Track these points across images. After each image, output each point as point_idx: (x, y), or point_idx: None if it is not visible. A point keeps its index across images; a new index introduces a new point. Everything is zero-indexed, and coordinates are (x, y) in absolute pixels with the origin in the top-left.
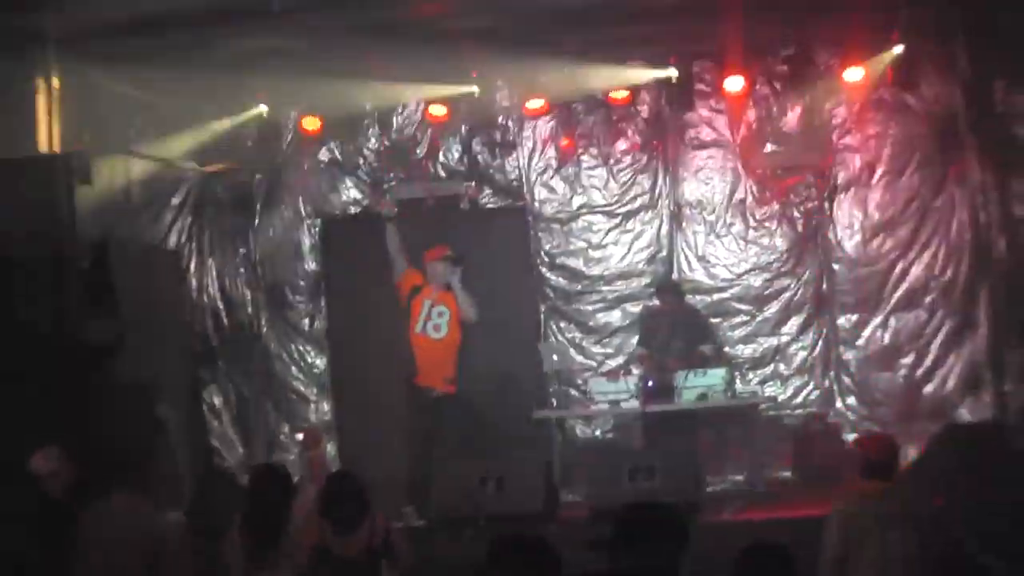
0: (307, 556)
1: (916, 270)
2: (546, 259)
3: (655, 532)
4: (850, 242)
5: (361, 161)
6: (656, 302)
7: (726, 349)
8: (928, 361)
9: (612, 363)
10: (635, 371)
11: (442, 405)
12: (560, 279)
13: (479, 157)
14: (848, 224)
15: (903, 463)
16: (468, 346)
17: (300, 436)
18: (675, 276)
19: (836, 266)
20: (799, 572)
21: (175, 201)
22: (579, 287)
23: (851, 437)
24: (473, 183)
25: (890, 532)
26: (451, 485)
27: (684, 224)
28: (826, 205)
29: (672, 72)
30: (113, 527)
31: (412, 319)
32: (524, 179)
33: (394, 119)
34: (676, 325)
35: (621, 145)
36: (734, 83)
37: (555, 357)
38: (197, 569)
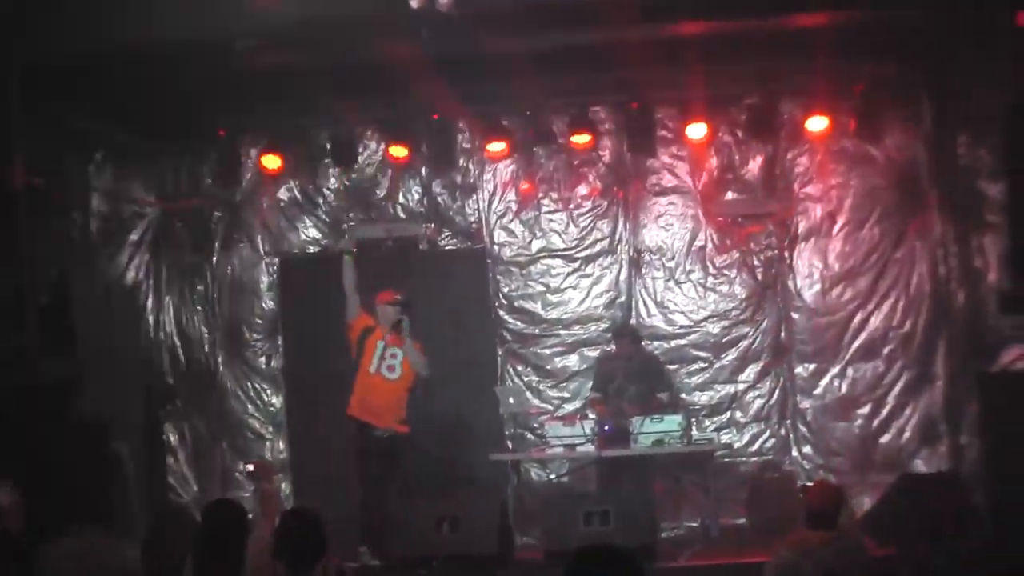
0: None
1: (875, 321)
2: (504, 302)
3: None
4: (809, 291)
5: (321, 200)
6: (613, 347)
7: (683, 396)
8: (885, 412)
9: (568, 407)
10: (591, 415)
11: (396, 445)
12: (518, 322)
13: (439, 199)
14: (808, 274)
15: (857, 513)
16: (426, 387)
17: (250, 467)
18: (633, 322)
19: (795, 315)
20: None
21: (133, 237)
22: (537, 330)
23: (825, 479)
24: (432, 224)
25: None
26: (406, 526)
27: (643, 270)
28: (786, 254)
29: (635, 117)
30: (78, 565)
31: (366, 360)
32: (484, 222)
33: (354, 159)
34: (632, 371)
35: (582, 190)
36: (697, 130)
37: (511, 400)
38: None
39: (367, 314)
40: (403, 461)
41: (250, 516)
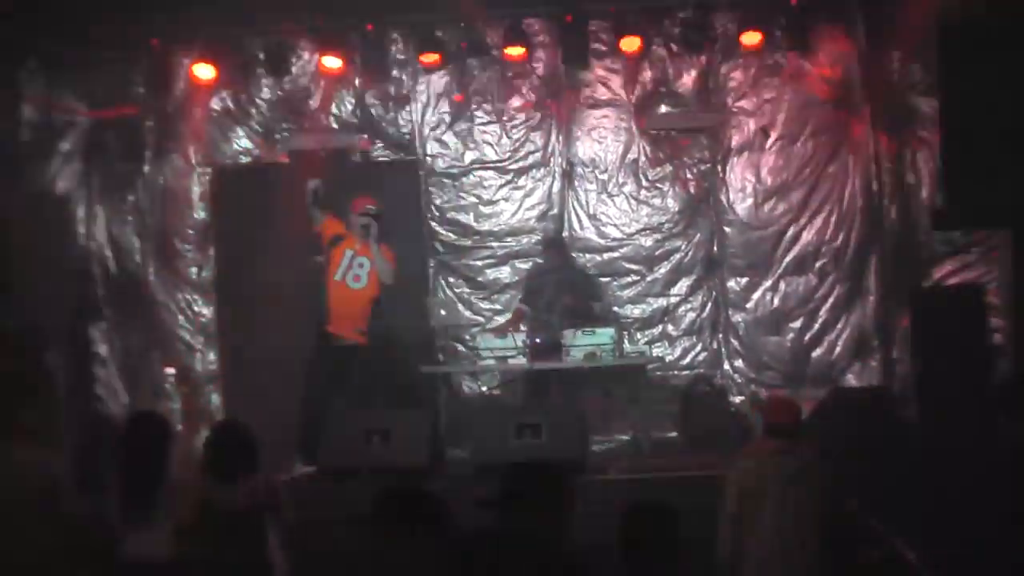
0: (189, 510)
1: (807, 235)
2: (436, 214)
3: (541, 492)
4: (742, 205)
5: (253, 111)
6: (542, 260)
7: (615, 309)
8: (817, 326)
9: (500, 319)
10: (523, 328)
11: (351, 355)
12: (450, 234)
13: (372, 110)
14: (741, 187)
15: None
16: None
17: (171, 370)
18: (566, 234)
19: (728, 229)
20: (683, 531)
21: (65, 147)
22: (469, 242)
23: (738, 399)
24: (365, 135)
25: (789, 489)
26: (337, 437)
27: (576, 182)
28: (719, 168)
29: (568, 30)
30: (7, 471)
31: (332, 267)
32: (416, 133)
33: (287, 69)
34: (562, 283)
35: (515, 102)
36: (630, 43)
37: (443, 312)
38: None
39: (336, 220)
40: (354, 372)
41: (179, 428)
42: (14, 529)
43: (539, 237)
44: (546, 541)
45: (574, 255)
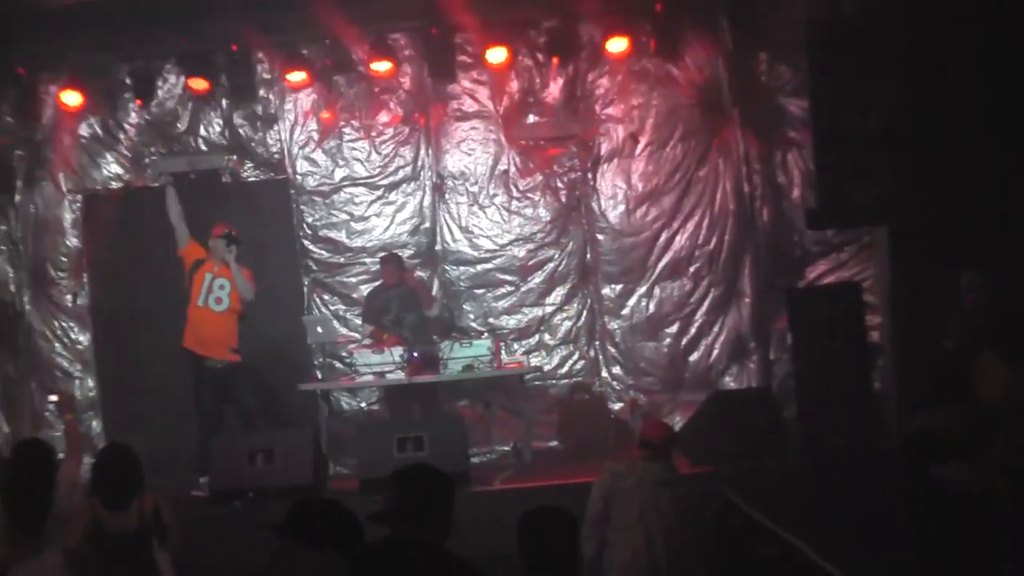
0: (79, 537)
1: (680, 240)
2: (309, 232)
3: (432, 494)
4: (614, 212)
5: (122, 136)
6: (380, 281)
7: (491, 320)
8: (693, 330)
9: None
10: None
11: (229, 374)
12: (323, 251)
13: (240, 130)
14: (612, 195)
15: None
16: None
17: (53, 398)
18: (439, 247)
19: (600, 236)
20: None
21: None
22: (342, 259)
23: (617, 406)
24: (235, 156)
25: (657, 492)
26: (222, 459)
27: (447, 195)
28: (589, 176)
29: (434, 43)
30: None
31: (194, 292)
32: (286, 152)
33: (154, 93)
34: (404, 299)
35: (383, 117)
36: (496, 54)
37: (319, 329)
38: None
39: (199, 245)
40: (237, 391)
41: (61, 455)
42: None
43: (412, 251)
44: (440, 549)
45: (421, 273)
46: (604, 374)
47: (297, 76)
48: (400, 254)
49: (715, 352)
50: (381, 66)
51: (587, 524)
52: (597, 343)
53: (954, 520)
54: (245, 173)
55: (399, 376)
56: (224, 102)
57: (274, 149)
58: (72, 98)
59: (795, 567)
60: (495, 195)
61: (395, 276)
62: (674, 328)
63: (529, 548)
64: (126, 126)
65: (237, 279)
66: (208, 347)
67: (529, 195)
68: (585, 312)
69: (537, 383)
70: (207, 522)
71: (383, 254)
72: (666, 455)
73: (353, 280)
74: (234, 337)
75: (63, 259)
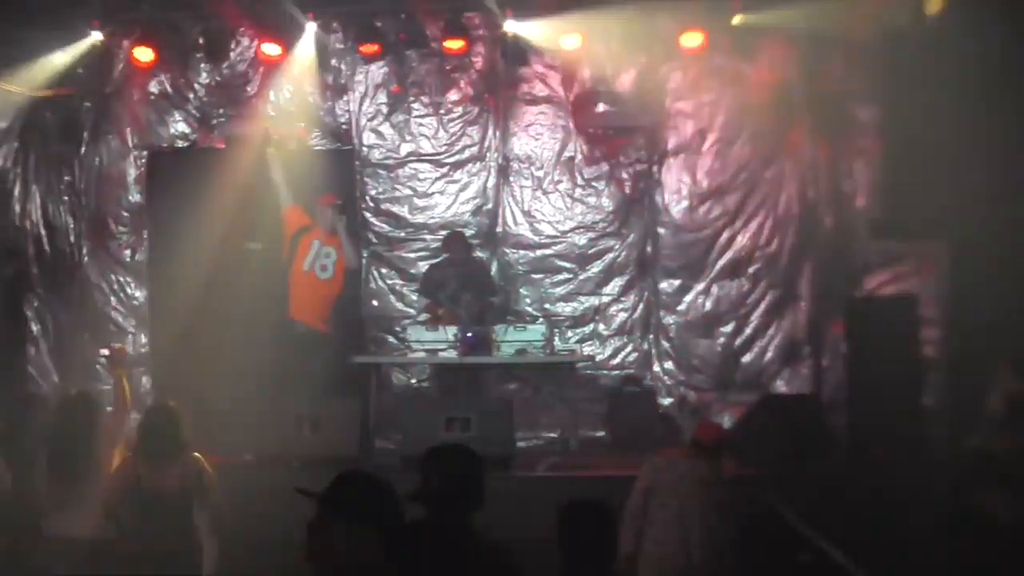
0: (118, 491)
1: (742, 240)
2: (371, 204)
3: (466, 475)
4: (677, 207)
5: (191, 95)
6: (444, 255)
7: (546, 306)
8: (748, 331)
9: (428, 314)
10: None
11: (315, 342)
12: (384, 225)
13: (309, 99)
14: (676, 189)
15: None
16: None
17: (105, 352)
18: (500, 230)
19: (661, 230)
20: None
21: (2, 125)
22: (403, 234)
23: (667, 401)
24: (302, 124)
25: (698, 490)
26: (271, 423)
27: (511, 178)
28: (655, 168)
29: (510, 25)
30: None
31: (298, 257)
32: (353, 123)
33: (227, 55)
34: (465, 277)
35: (453, 95)
36: (570, 40)
37: (375, 303)
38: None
39: (303, 211)
40: (315, 361)
41: (110, 409)
42: None
43: (473, 231)
44: (472, 531)
45: (477, 254)
46: (656, 368)
47: (369, 48)
48: (463, 234)
49: (768, 354)
50: (454, 44)
51: (626, 517)
52: (651, 337)
53: (997, 550)
54: (312, 141)
55: (451, 355)
56: (295, 69)
57: (342, 119)
58: (144, 54)
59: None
60: (559, 181)
61: (459, 255)
62: (729, 327)
63: (565, 538)
64: (196, 86)
65: (346, 247)
66: (302, 312)
67: (593, 184)
68: (641, 305)
69: (588, 372)
70: (250, 487)
71: (449, 230)
72: (713, 457)
73: (412, 255)
74: (330, 307)
75: (124, 214)
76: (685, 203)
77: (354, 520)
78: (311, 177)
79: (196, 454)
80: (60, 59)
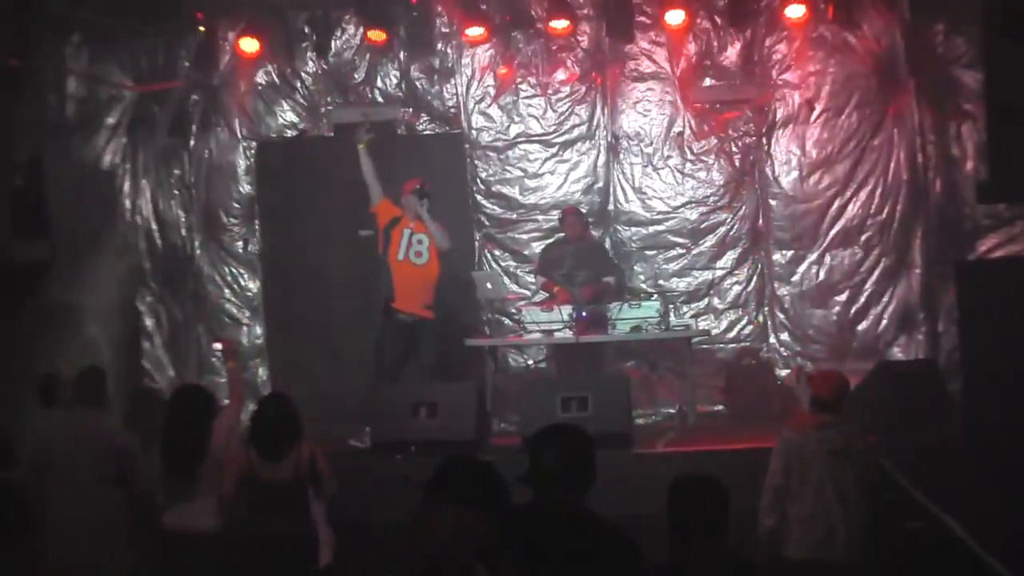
0: (234, 483)
1: (852, 208)
2: (482, 187)
3: (571, 451)
4: (787, 178)
5: (298, 84)
6: (560, 234)
7: (661, 282)
8: (862, 299)
9: (546, 292)
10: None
11: (420, 329)
12: (496, 207)
13: (417, 83)
14: (786, 160)
15: None
16: None
17: (218, 345)
18: (611, 207)
19: (773, 202)
20: (730, 504)
21: (110, 121)
22: (514, 216)
23: (784, 372)
24: (410, 109)
25: (833, 462)
26: (385, 411)
27: (621, 156)
28: (764, 141)
29: (613, 3)
30: (78, 437)
31: (393, 247)
32: (461, 106)
33: (332, 43)
34: (580, 255)
35: (560, 75)
36: (675, 16)
37: (489, 285)
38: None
39: (392, 203)
40: (420, 347)
41: (225, 401)
42: (88, 487)
43: (585, 210)
44: (585, 510)
45: (594, 232)
46: (772, 340)
47: (475, 31)
48: (580, 210)
49: (883, 322)
50: (559, 24)
51: (767, 495)
52: (766, 308)
53: None
54: (420, 126)
55: (566, 335)
56: (402, 54)
57: (450, 103)
58: (250, 45)
59: (942, 544)
60: (669, 157)
61: (576, 230)
62: (843, 296)
63: (677, 515)
64: (303, 75)
65: (435, 233)
66: (405, 300)
67: (703, 158)
68: (755, 277)
69: (704, 346)
70: (367, 474)
71: (567, 206)
72: (840, 411)
73: (524, 237)
74: (431, 292)
75: (235, 205)
76: (795, 174)
77: (459, 506)
78: (419, 162)
79: (311, 444)
80: (165, 52)
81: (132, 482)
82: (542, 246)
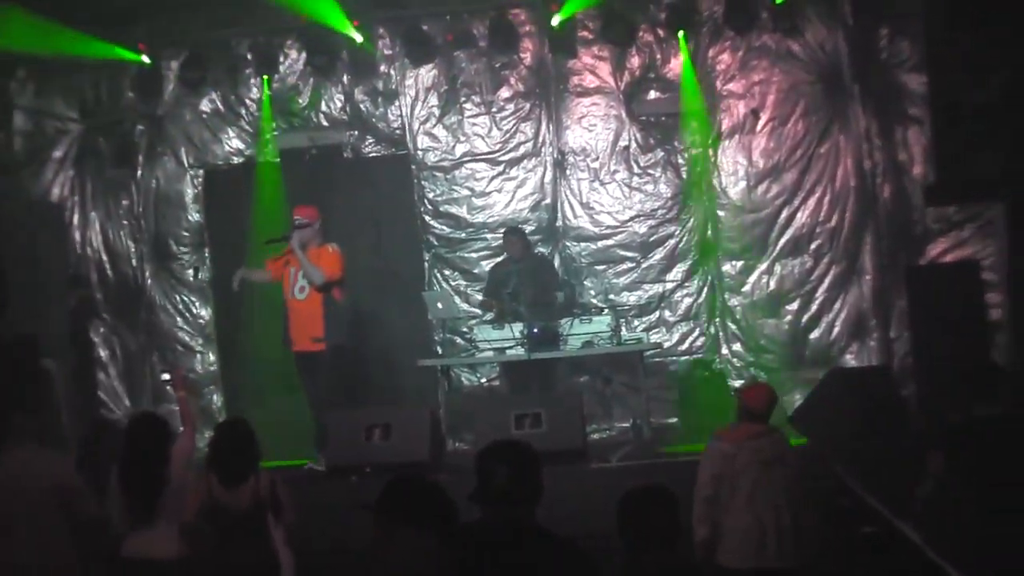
0: (193, 509)
1: (802, 216)
2: (430, 207)
3: (519, 467)
4: (735, 188)
5: (243, 111)
6: (504, 255)
7: (611, 296)
8: (814, 307)
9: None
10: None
11: (310, 362)
12: (444, 227)
13: (361, 106)
14: (733, 171)
15: (787, 410)
16: (355, 298)
17: (166, 376)
18: (559, 223)
19: (721, 213)
20: (680, 514)
21: (57, 154)
22: (463, 235)
23: (737, 383)
24: (356, 132)
25: (766, 471)
26: (340, 434)
27: (568, 171)
28: (711, 152)
29: (555, 19)
30: (22, 475)
31: (285, 288)
32: (407, 128)
33: (276, 68)
34: (525, 273)
35: (504, 93)
36: (617, 31)
37: (439, 305)
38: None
39: (275, 257)
40: (307, 379)
41: (180, 429)
42: (35, 526)
43: (533, 227)
44: (536, 526)
45: (539, 249)
46: (724, 351)
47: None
48: (521, 229)
49: (836, 329)
50: (502, 42)
51: (698, 506)
52: (718, 320)
53: None
54: (366, 149)
55: (519, 352)
56: (345, 78)
57: (395, 125)
58: (193, 74)
59: (897, 549)
60: (616, 171)
61: (518, 249)
62: (795, 305)
63: (629, 526)
64: (247, 101)
65: (304, 267)
66: (295, 337)
67: (650, 171)
68: (706, 289)
69: (657, 359)
70: (323, 498)
71: (507, 227)
72: (766, 421)
73: (474, 255)
74: (318, 325)
75: (184, 234)
76: (743, 184)
77: (407, 525)
78: (366, 185)
79: (269, 469)
80: (110, 84)
81: (78, 512)
82: (492, 264)
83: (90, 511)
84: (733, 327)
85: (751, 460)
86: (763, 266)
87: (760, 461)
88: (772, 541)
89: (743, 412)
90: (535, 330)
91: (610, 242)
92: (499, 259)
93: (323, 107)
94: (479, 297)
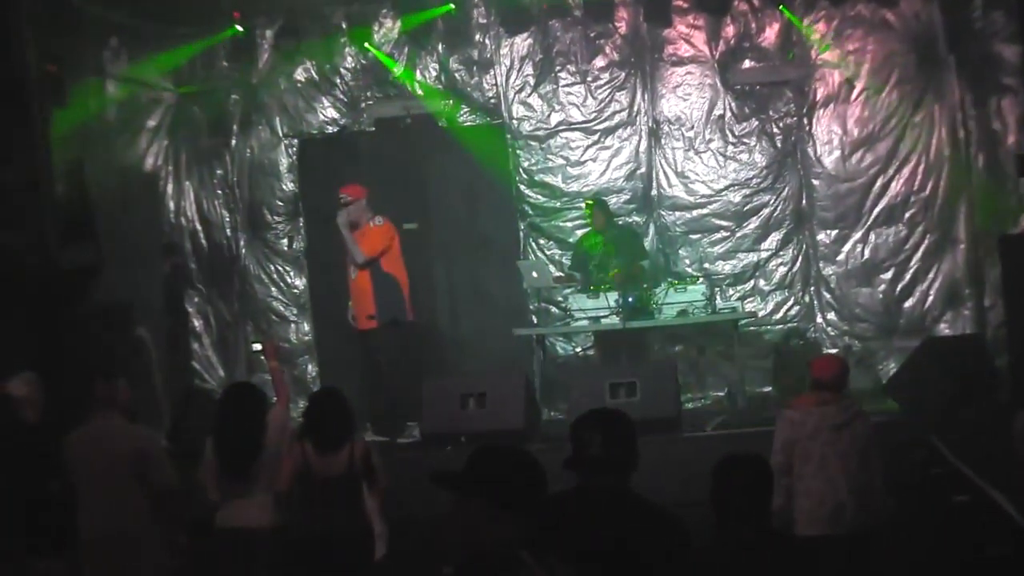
0: (288, 479)
1: (895, 186)
2: (524, 176)
3: (614, 435)
4: (829, 158)
5: (338, 80)
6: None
7: (706, 265)
8: (908, 276)
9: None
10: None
11: (368, 340)
12: (539, 196)
13: (456, 75)
14: (827, 140)
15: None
16: (449, 268)
17: (257, 347)
18: (654, 192)
19: (816, 182)
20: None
21: (151, 123)
22: (558, 204)
23: (831, 352)
24: (451, 101)
25: (836, 437)
26: (435, 403)
27: (663, 140)
28: (805, 121)
29: None
30: (96, 448)
31: (346, 267)
32: (502, 97)
33: (371, 37)
34: (609, 243)
35: (599, 62)
36: None
37: (534, 274)
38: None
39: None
40: (376, 352)
41: (273, 399)
42: (112, 494)
43: (627, 196)
44: (631, 494)
45: (632, 219)
46: (819, 320)
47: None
48: (608, 200)
49: (930, 299)
50: (597, 11)
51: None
52: (812, 289)
53: None
54: (461, 118)
55: (613, 321)
56: (440, 46)
57: (490, 94)
58: (288, 42)
59: (989, 518)
60: (711, 140)
61: (599, 220)
62: (889, 274)
63: (719, 495)
64: (342, 70)
65: (347, 244)
66: (358, 318)
67: (744, 140)
68: (800, 258)
69: (751, 329)
70: (417, 466)
71: (589, 199)
72: (837, 391)
73: (568, 225)
74: (371, 303)
75: (279, 203)
76: (837, 153)
77: (492, 497)
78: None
79: (363, 437)
80: (204, 53)
81: (154, 482)
82: (583, 232)
83: (167, 481)
84: (827, 296)
85: (820, 425)
86: (857, 235)
87: (829, 427)
88: (845, 507)
89: (812, 382)
90: (630, 299)
91: (705, 211)
92: (584, 231)
93: (418, 76)
94: None
